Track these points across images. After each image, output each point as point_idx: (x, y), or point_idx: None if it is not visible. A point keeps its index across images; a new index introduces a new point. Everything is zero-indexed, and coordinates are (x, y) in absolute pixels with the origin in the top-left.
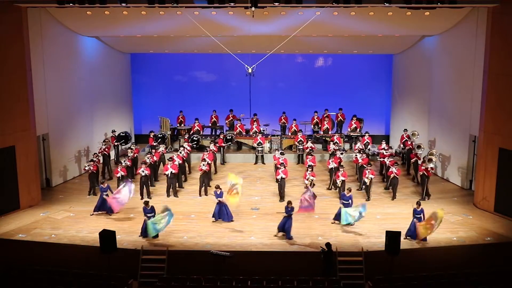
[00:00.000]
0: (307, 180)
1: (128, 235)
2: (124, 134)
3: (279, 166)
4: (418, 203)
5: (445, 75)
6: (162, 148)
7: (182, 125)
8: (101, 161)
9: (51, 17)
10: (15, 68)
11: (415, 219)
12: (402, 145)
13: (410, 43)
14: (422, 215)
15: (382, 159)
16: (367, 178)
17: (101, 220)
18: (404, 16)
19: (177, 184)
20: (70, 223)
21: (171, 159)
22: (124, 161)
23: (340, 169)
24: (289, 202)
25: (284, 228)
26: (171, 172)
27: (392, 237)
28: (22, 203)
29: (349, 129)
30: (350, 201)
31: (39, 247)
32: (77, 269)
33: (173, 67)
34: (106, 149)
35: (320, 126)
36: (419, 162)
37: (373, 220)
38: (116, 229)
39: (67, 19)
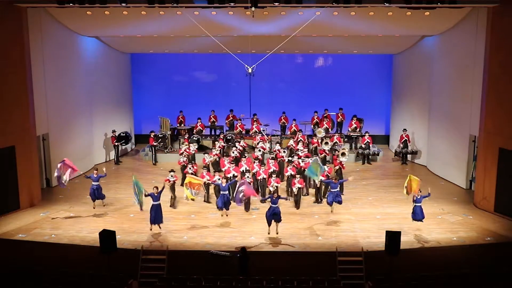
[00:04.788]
0: (272, 187)
1: (128, 235)
2: (124, 134)
3: (256, 165)
4: (419, 191)
5: (445, 75)
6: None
7: (182, 125)
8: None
9: (51, 17)
10: (15, 68)
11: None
12: (402, 145)
13: (410, 43)
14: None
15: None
16: (295, 188)
17: (101, 220)
18: (404, 16)
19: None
20: (70, 223)
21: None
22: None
23: (296, 176)
24: (275, 192)
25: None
26: (233, 175)
27: (392, 237)
28: (22, 203)
29: (349, 129)
30: (338, 188)
31: (39, 247)
32: (77, 269)
33: (173, 67)
34: (187, 150)
35: (319, 126)
36: (328, 157)
37: (373, 220)
38: (116, 229)
39: (67, 19)
